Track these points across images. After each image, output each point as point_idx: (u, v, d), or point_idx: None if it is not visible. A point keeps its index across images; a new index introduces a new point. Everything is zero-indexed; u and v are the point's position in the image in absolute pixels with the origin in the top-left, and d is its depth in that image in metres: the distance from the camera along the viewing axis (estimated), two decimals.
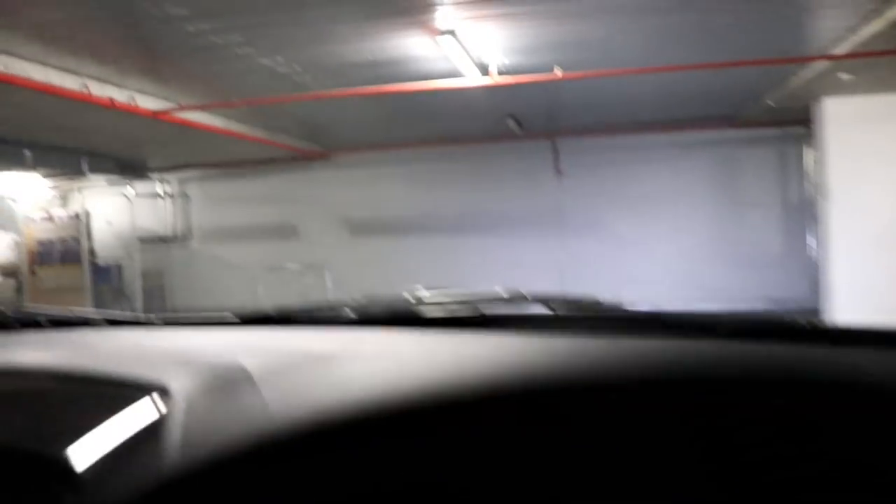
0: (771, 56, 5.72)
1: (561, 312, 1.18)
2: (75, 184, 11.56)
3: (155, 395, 0.75)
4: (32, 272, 11.27)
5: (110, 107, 5.64)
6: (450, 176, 10.67)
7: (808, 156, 9.25)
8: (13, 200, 11.17)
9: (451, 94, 7.05)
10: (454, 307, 1.27)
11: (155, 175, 11.57)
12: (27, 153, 7.89)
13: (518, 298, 1.28)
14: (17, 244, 11.16)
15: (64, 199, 12.42)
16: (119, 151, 9.71)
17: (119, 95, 5.87)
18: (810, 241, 9.15)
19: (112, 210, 11.80)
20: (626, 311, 1.13)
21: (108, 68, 5.58)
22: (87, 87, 5.42)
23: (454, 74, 5.88)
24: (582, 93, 7.46)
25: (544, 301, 1.19)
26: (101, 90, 5.71)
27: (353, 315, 1.15)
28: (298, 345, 0.98)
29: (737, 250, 9.89)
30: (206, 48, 5.06)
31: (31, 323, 1.25)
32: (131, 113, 6.01)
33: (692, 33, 5.34)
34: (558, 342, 0.86)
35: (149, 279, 11.75)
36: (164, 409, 0.72)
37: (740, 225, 9.96)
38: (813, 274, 8.72)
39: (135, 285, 11.58)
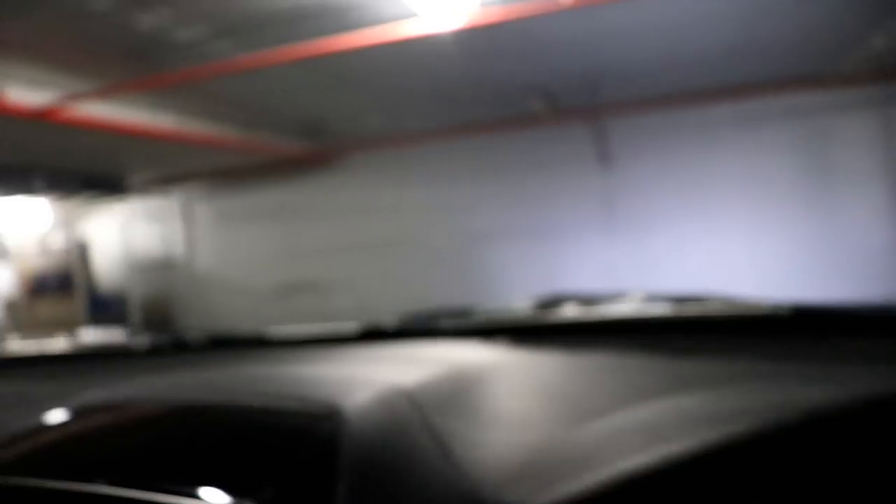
0: None
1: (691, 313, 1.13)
2: (79, 208, 10.57)
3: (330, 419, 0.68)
4: (28, 305, 10.49)
5: None
6: (464, 176, 8.99)
7: None
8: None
9: (445, 67, 5.44)
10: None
11: (150, 192, 10.44)
12: None
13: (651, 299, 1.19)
14: (11, 276, 10.30)
15: (68, 225, 11.50)
16: (92, 168, 8.50)
17: None
18: None
19: (115, 235, 10.87)
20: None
21: None
22: None
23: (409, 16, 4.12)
24: (625, 53, 5.67)
25: (670, 300, 1.17)
26: None
27: (482, 325, 1.12)
28: (446, 360, 0.95)
29: (829, 244, 7.95)
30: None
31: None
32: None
33: None
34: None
35: (151, 308, 10.68)
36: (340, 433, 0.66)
37: (832, 214, 8.03)
38: None
39: (136, 315, 10.62)
